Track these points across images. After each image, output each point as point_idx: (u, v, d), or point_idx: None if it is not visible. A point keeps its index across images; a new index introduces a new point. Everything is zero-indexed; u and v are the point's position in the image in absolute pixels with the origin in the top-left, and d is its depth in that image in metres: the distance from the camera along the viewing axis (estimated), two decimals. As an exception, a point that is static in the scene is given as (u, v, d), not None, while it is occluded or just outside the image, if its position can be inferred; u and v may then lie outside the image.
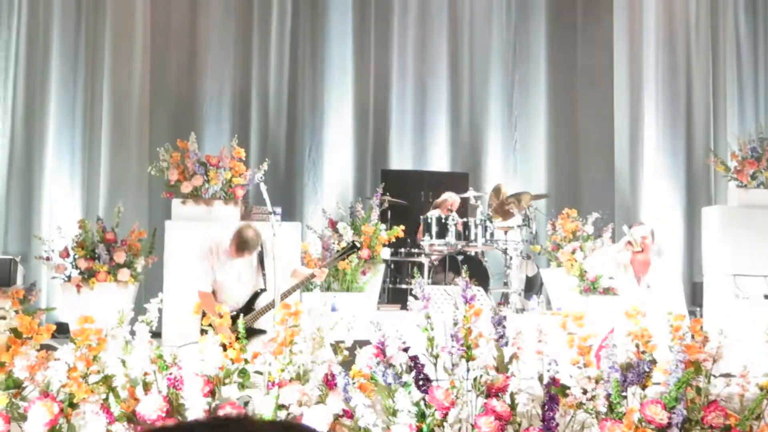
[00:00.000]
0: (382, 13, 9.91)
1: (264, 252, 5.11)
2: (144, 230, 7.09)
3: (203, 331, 3.91)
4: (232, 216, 6.93)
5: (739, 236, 7.01)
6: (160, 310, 3.99)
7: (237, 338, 3.77)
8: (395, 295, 7.88)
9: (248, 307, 5.25)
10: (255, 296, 5.25)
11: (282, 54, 9.68)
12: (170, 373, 3.63)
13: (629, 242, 5.97)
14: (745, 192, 7.29)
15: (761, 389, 3.89)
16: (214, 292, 5.27)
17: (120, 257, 6.79)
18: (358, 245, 6.03)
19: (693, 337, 3.96)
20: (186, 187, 6.88)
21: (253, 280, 5.27)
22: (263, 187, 5.13)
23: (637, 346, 3.85)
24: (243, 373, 3.74)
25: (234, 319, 4.68)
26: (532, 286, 8.01)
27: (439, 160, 9.92)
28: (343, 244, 6.89)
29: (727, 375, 3.95)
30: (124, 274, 6.77)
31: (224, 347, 3.71)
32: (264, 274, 5.06)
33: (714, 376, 3.98)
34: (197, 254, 5.32)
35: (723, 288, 6.91)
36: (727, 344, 4.12)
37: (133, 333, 3.76)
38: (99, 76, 9.13)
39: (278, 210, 6.97)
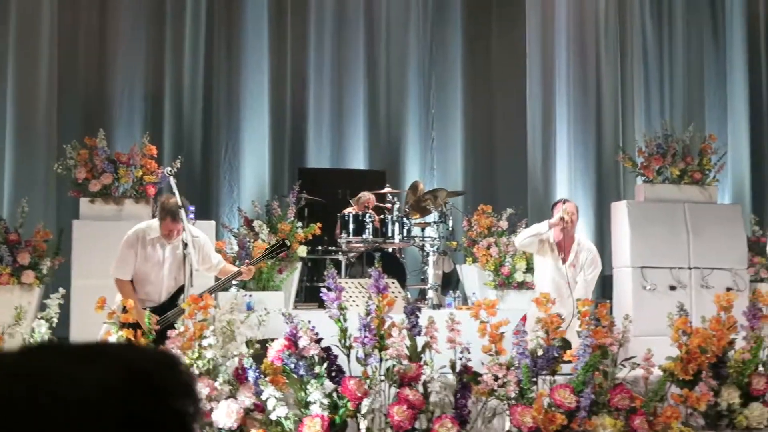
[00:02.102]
0: (298, 10, 9.84)
1: (187, 239, 4.93)
2: (50, 231, 6.84)
3: (124, 325, 3.75)
4: (143, 215, 6.74)
5: (646, 230, 7.22)
6: (63, 308, 3.85)
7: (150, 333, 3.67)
8: (312, 293, 7.79)
9: (171, 303, 5.09)
10: (179, 292, 5.07)
11: (196, 50, 9.49)
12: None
13: (562, 218, 6.07)
14: (651, 187, 7.53)
15: (664, 371, 4.02)
16: (133, 284, 5.09)
17: (24, 259, 6.54)
18: (288, 243, 5.94)
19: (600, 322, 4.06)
20: (94, 186, 6.67)
21: (175, 273, 5.09)
22: (173, 182, 5.01)
23: (547, 332, 3.92)
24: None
25: (157, 313, 4.55)
26: (449, 282, 8.07)
27: (357, 159, 9.92)
28: (262, 243, 6.82)
29: (632, 360, 4.06)
30: (28, 276, 6.52)
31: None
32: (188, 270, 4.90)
33: (622, 365, 4.09)
34: (122, 243, 5.14)
35: (631, 280, 7.11)
36: (632, 330, 4.25)
37: (32, 331, 3.61)
38: (2, 71, 8.75)
39: (191, 208, 6.84)
